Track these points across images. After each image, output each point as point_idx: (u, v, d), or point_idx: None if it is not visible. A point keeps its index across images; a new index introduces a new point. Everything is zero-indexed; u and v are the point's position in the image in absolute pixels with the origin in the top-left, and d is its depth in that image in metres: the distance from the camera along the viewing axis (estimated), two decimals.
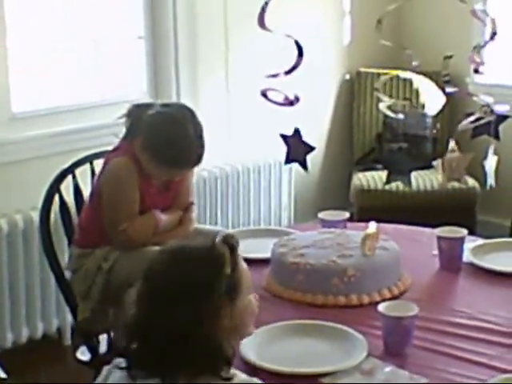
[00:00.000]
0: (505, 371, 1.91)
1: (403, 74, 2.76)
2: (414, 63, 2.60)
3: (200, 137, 2.75)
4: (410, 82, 2.81)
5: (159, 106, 2.79)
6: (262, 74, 2.55)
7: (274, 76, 2.48)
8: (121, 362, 1.67)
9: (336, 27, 4.62)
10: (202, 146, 2.75)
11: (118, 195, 2.75)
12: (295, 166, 3.27)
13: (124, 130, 2.84)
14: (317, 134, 4.43)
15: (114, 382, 1.68)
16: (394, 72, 2.82)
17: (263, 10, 2.45)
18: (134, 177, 2.74)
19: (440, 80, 2.69)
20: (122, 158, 2.75)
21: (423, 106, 2.74)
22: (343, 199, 4.41)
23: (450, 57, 2.64)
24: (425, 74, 2.65)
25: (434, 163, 4.30)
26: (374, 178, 4.32)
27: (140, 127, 2.76)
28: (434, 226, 2.71)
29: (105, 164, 2.80)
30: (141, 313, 1.63)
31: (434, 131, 4.45)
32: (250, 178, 4.16)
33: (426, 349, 2.03)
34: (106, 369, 1.75)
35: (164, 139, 2.71)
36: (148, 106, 2.82)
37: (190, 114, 2.78)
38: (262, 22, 2.47)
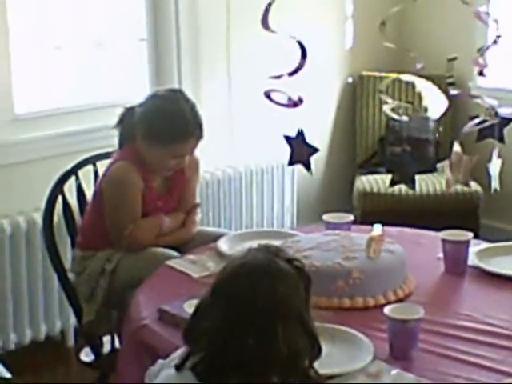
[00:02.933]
0: (510, 375, 1.90)
1: (406, 78, 2.76)
2: (418, 65, 2.59)
3: (193, 109, 2.75)
4: (413, 85, 2.81)
5: (150, 97, 2.80)
6: (263, 75, 2.54)
7: (278, 77, 2.47)
8: (174, 359, 1.66)
9: (338, 31, 4.63)
10: (196, 117, 2.75)
11: (120, 199, 2.74)
12: (298, 168, 3.28)
13: (118, 137, 2.84)
14: (319, 137, 4.42)
15: (165, 378, 1.66)
16: (397, 75, 2.81)
17: (267, 10, 2.44)
18: (137, 180, 2.73)
19: (443, 83, 2.69)
20: (124, 162, 2.75)
21: (426, 110, 2.74)
22: (346, 202, 4.41)
23: (454, 59, 2.63)
24: (428, 78, 2.65)
25: (439, 166, 4.30)
26: (376, 182, 4.31)
27: (135, 125, 2.76)
28: (436, 230, 2.70)
29: (106, 169, 2.79)
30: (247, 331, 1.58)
31: (437, 135, 4.44)
32: (252, 180, 4.16)
33: (432, 352, 2.02)
34: (159, 363, 1.73)
35: (157, 116, 2.72)
36: (138, 106, 2.81)
37: (180, 93, 2.82)
38: (265, 23, 2.46)
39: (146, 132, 2.74)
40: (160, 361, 1.74)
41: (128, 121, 2.81)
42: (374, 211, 4.18)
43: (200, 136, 2.77)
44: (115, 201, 2.74)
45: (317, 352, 1.67)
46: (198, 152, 2.95)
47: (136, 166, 2.74)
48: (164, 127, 2.70)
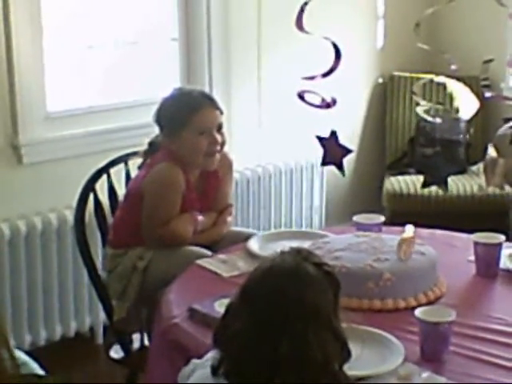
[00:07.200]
0: None
1: (437, 79, 2.74)
2: (453, 67, 2.58)
3: (197, 88, 2.91)
4: (444, 86, 2.79)
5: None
6: (294, 74, 2.53)
7: (311, 78, 2.46)
8: (208, 359, 1.65)
9: (369, 31, 4.62)
10: (203, 92, 2.88)
11: (161, 198, 2.75)
12: (327, 168, 3.27)
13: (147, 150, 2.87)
14: (349, 137, 4.40)
15: (199, 378, 1.66)
16: (429, 76, 2.80)
17: (302, 11, 2.43)
18: (181, 181, 2.74)
19: (477, 84, 2.67)
20: (167, 163, 2.75)
21: (457, 111, 2.72)
22: (375, 203, 4.39)
23: (490, 61, 2.61)
24: (460, 79, 2.63)
25: (474, 168, 4.27)
26: (406, 183, 4.30)
27: (160, 135, 2.82)
28: (465, 232, 2.68)
29: (148, 168, 2.79)
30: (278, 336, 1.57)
31: (467, 136, 4.41)
32: (281, 179, 4.16)
33: (463, 355, 2.01)
34: (193, 362, 1.74)
35: (169, 107, 2.81)
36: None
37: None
38: (300, 24, 2.44)
39: (168, 125, 2.79)
40: (193, 360, 1.74)
41: (152, 140, 2.87)
42: (403, 212, 4.17)
43: (215, 106, 2.82)
44: (156, 200, 2.75)
45: (346, 356, 1.67)
46: (231, 153, 2.96)
47: (179, 167, 2.75)
48: (178, 107, 2.78)
